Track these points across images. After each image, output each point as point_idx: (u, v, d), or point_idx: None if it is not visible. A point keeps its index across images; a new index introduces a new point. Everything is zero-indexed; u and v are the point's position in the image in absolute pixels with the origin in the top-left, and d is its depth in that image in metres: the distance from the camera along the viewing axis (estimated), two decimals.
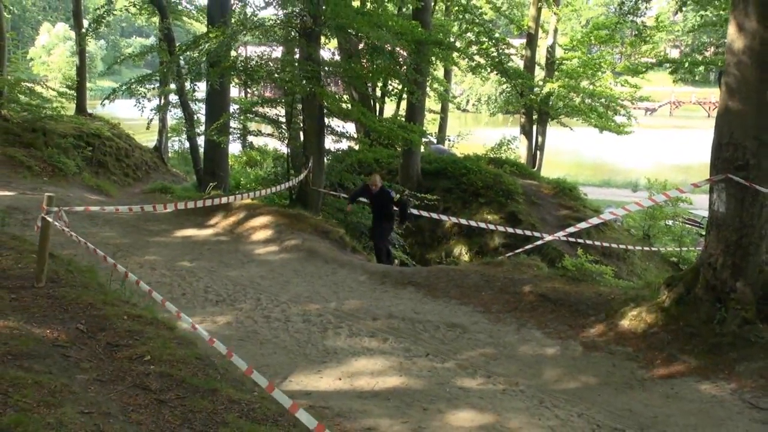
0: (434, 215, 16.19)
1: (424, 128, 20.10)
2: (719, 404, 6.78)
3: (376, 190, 13.69)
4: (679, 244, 20.32)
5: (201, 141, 21.33)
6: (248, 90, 21.87)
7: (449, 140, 31.09)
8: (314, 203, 15.79)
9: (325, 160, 16.82)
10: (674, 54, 58.04)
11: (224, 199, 13.54)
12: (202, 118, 21.03)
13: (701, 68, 23.68)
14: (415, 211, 15.77)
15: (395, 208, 13.75)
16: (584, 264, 10.49)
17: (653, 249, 18.87)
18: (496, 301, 9.81)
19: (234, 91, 23.41)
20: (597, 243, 15.61)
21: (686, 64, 22.46)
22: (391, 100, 28.09)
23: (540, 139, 29.80)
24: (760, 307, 7.68)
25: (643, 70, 28.55)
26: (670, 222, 22.52)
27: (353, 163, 18.37)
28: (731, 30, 7.85)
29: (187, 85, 18.92)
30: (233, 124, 18.78)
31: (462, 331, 8.85)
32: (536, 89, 28.35)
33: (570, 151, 50.68)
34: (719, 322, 7.64)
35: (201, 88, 21.32)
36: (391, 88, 25.08)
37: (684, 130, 65.83)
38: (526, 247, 12.62)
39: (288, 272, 11.47)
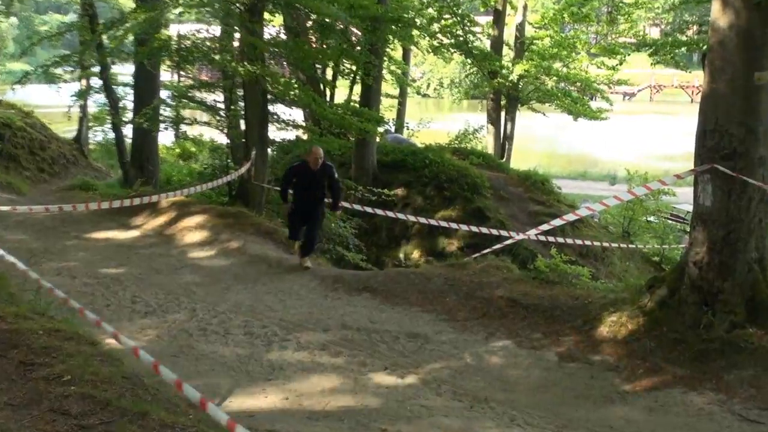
0: (391, 213, 16.20)
1: (380, 115, 20.09)
2: (707, 417, 6.89)
3: (318, 167, 11.76)
4: (662, 242, 20.69)
5: (127, 131, 21.07)
6: (182, 73, 21.64)
7: (408, 128, 31.17)
8: (257, 200, 15.69)
9: (269, 151, 16.74)
10: (654, 33, 58.93)
11: (154, 197, 13.40)
12: (129, 105, 20.75)
13: (683, 49, 24.05)
14: (369, 209, 15.74)
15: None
16: (559, 265, 10.59)
17: (633, 247, 19.16)
18: (462, 307, 9.84)
19: (165, 75, 23.13)
20: (573, 241, 15.78)
21: (667, 46, 22.81)
22: (345, 83, 28.06)
23: (509, 126, 30.06)
24: (750, 309, 7.82)
25: (621, 51, 28.97)
26: (651, 218, 22.92)
27: (301, 155, 18.28)
28: (715, 7, 7.97)
29: (112, 67, 18.67)
30: (165, 111, 18.58)
31: (424, 341, 8.86)
32: (504, 72, 28.55)
33: (542, 140, 51.25)
34: (706, 326, 7.76)
35: (128, 71, 21.04)
36: (343, 69, 25.06)
37: (666, 117, 67.05)
38: (495, 247, 12.68)
39: (227, 278, 11.38)
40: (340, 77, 26.26)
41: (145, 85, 18.59)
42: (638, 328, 8.21)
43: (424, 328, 9.33)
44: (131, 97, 20.59)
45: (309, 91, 16.18)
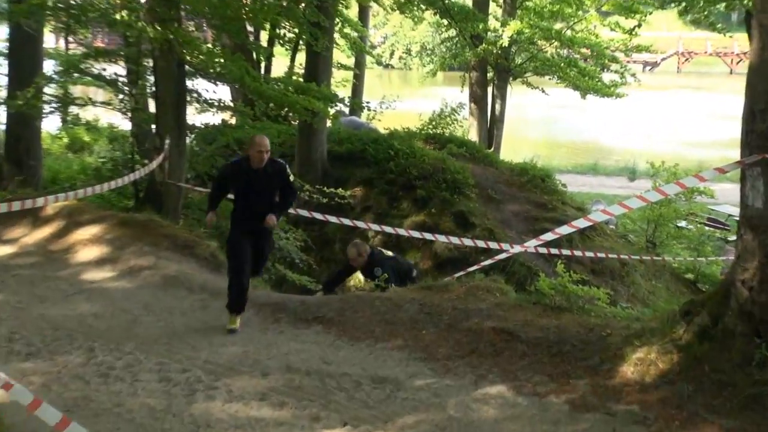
0: (347, 221, 16.15)
1: (332, 92, 20.07)
2: None
3: (263, 165, 10.78)
4: (697, 254, 20.84)
5: (1, 116, 20.80)
6: (72, 38, 21.44)
7: (368, 109, 31.18)
8: (172, 204, 15.60)
9: (188, 140, 16.62)
10: None
11: (36, 201, 13.22)
12: (2, 81, 20.51)
13: (721, 6, 24.23)
14: (318, 215, 15.67)
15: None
16: (567, 286, 10.57)
17: (661, 261, 19.29)
18: (443, 342, 9.82)
19: (50, 40, 22.91)
20: (583, 254, 15.87)
21: (701, 2, 22.96)
22: (286, 50, 27.98)
23: (498, 106, 30.19)
24: None
25: (641, 8, 29.13)
26: (682, 223, 23.10)
27: (229, 145, 18.23)
28: None
29: None
30: (49, 89, 18.38)
31: (394, 388, 8.81)
32: (491, 35, 28.65)
33: (540, 124, 51.65)
34: (759, 364, 7.77)
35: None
36: (282, 33, 24.96)
37: (698, 92, 67.81)
38: (484, 262, 12.70)
39: (135, 308, 11.26)
40: (278, 44, 26.20)
41: (24, 54, 18.39)
42: (672, 367, 8.21)
43: (393, 370, 9.28)
44: (4, 70, 20.35)
45: (238, 59, 16.09)
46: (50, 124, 28.53)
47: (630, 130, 50.98)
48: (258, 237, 10.94)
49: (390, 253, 14.29)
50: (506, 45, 28.68)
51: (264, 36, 27.59)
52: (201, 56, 15.61)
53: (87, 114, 24.48)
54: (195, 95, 16.68)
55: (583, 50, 30.74)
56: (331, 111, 17.94)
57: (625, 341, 8.83)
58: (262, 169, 10.73)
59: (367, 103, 20.96)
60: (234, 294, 10.67)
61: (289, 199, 11.31)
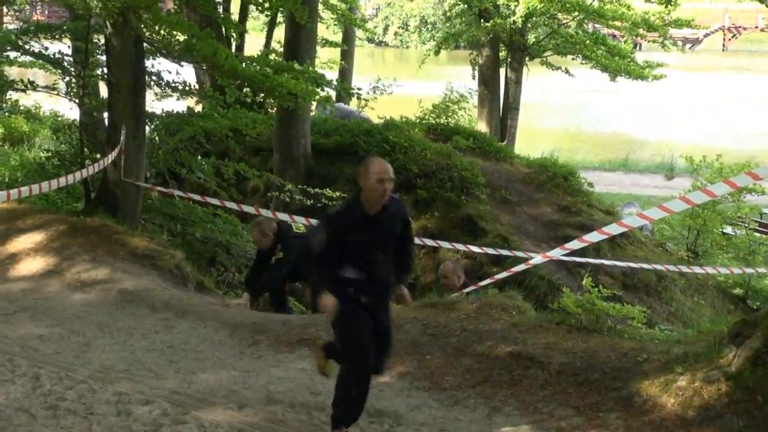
0: None
1: (318, 72, 20.11)
2: None
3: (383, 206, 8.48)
4: (746, 265, 20.84)
5: None
6: (6, 11, 21.49)
7: (358, 96, 31.24)
8: (129, 207, 15.64)
9: (147, 131, 16.65)
10: None
11: None
12: None
13: None
14: (301, 219, 15.71)
15: None
16: (596, 303, 10.62)
17: (704, 273, 19.30)
18: (451, 369, 9.86)
19: None
20: (614, 264, 15.89)
21: None
22: (262, 26, 28.03)
23: (512, 91, 30.24)
24: None
25: None
26: (729, 229, 23.09)
27: (195, 136, 18.25)
28: None
29: None
30: None
31: (394, 422, 8.85)
32: (504, 9, 28.73)
33: (561, 112, 51.64)
34: None
35: None
36: (256, 7, 25.04)
37: (746, 74, 67.78)
38: (498, 275, 12.74)
39: (88, 328, 11.27)
40: (251, 16, 26.27)
41: None
42: (719, 398, 8.25)
43: (393, 401, 9.32)
44: None
45: (209, 35, 16.10)
46: None
47: (667, 119, 51.02)
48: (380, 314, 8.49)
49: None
50: (521, 20, 28.71)
51: (235, 9, 27.66)
52: (163, 31, 15.62)
53: (26, 100, 24.57)
54: (155, 78, 16.69)
55: (615, 23, 30.68)
56: (321, 94, 17.79)
57: (664, 368, 8.88)
58: (384, 213, 8.30)
59: (359, 89, 20.80)
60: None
61: (407, 249, 8.78)
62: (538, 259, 12.66)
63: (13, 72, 20.48)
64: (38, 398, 9.11)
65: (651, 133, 49.24)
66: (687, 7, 33.91)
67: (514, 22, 28.52)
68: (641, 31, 30.82)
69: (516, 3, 28.53)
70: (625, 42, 31.54)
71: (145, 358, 10.41)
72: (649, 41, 31.32)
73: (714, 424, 8.12)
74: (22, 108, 24.68)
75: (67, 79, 17.32)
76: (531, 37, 30.17)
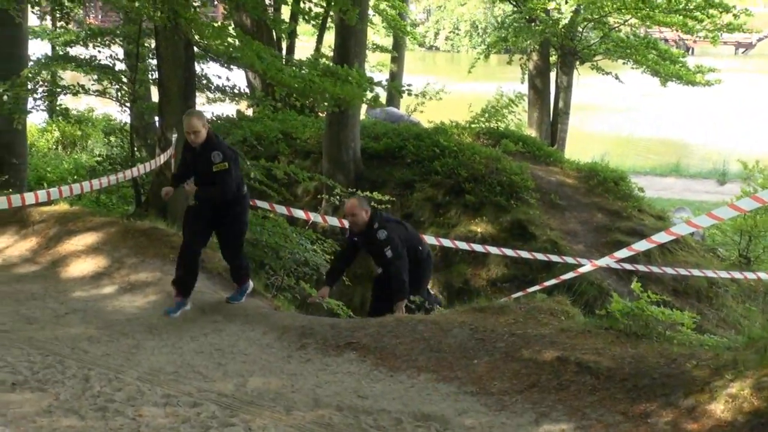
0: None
1: (367, 76, 20.12)
2: None
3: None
4: None
5: None
6: (61, 16, 21.62)
7: (409, 93, 31.22)
8: (179, 210, 15.65)
9: None
10: None
11: (20, 204, 13.29)
12: None
13: None
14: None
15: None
16: (645, 309, 10.56)
17: (757, 279, 19.11)
18: (498, 374, 9.82)
19: (35, 18, 23.13)
20: (665, 271, 15.79)
21: None
22: (313, 28, 28.10)
23: (563, 96, 30.11)
24: None
25: None
26: None
27: (246, 140, 18.31)
28: None
29: None
30: (35, 78, 18.55)
31: (441, 426, 8.82)
32: (554, 14, 28.61)
33: (610, 116, 51.33)
34: None
35: None
36: (307, 8, 25.11)
37: None
38: (548, 282, 12.71)
39: (137, 330, 11.31)
40: (302, 20, 26.33)
41: (4, 40, 18.51)
42: None
43: (440, 405, 9.29)
44: None
45: (254, 42, 16.17)
46: (36, 116, 28.77)
47: (720, 124, 50.61)
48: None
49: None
50: (569, 19, 28.47)
51: (286, 12, 27.73)
52: (213, 36, 15.68)
53: (79, 103, 24.73)
54: (206, 82, 16.78)
55: (665, 28, 30.48)
56: (369, 95, 17.82)
57: (714, 374, 8.81)
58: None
59: (409, 85, 20.80)
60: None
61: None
62: (587, 267, 12.61)
63: (66, 76, 20.59)
64: (87, 399, 9.13)
65: (703, 138, 48.88)
66: (740, 7, 33.27)
67: (564, 26, 28.36)
68: (692, 41, 30.62)
69: (563, 5, 28.33)
70: (676, 45, 31.32)
71: (193, 360, 10.43)
72: (693, 54, 30.85)
73: (764, 430, 8.06)
74: (75, 112, 24.74)
75: (119, 84, 17.42)
76: (582, 41, 29.97)
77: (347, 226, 12.05)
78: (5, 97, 16.93)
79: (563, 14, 28.25)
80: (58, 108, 21.47)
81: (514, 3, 29.13)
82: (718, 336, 12.12)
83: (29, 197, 13.84)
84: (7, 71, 17.35)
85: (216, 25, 16.32)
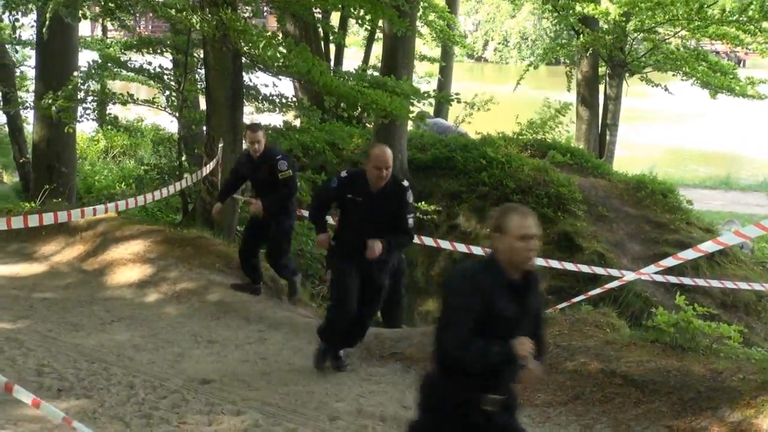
0: (428, 240, 16.18)
1: (415, 87, 20.10)
2: None
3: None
4: None
5: (28, 116, 21.20)
6: (111, 25, 21.80)
7: (457, 101, 31.19)
8: (226, 220, 15.73)
9: (245, 145, 16.77)
10: None
11: (68, 213, 13.37)
12: (30, 74, 20.94)
13: None
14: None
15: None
16: (692, 321, 10.49)
17: None
18: (542, 385, 9.79)
19: (85, 28, 23.33)
20: (711, 284, 15.68)
21: None
22: (357, 41, 28.15)
23: (612, 107, 29.96)
24: None
25: None
26: None
27: (293, 150, 18.35)
28: None
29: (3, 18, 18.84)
30: (85, 86, 18.69)
31: None
32: (604, 25, 28.48)
33: (659, 128, 51.03)
34: None
35: (26, 22, 21.13)
36: (356, 19, 25.12)
37: None
38: (592, 292, 12.64)
39: (182, 338, 11.38)
40: (350, 31, 26.39)
41: (55, 48, 18.68)
42: None
43: None
44: (32, 62, 20.78)
45: (303, 49, 16.21)
46: (86, 125, 28.97)
47: None
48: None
49: None
50: (616, 26, 28.20)
51: (335, 20, 27.79)
52: (260, 46, 15.72)
53: (129, 114, 24.90)
54: (253, 91, 16.80)
55: (716, 40, 30.21)
56: (414, 111, 17.84)
57: (761, 388, 8.76)
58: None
59: (457, 94, 20.69)
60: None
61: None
62: (631, 275, 12.54)
63: (116, 86, 20.74)
64: (132, 406, 9.21)
65: (755, 151, 48.47)
66: None
67: (613, 37, 28.20)
68: (743, 52, 30.33)
69: (610, 14, 28.03)
70: (727, 57, 31.05)
71: (238, 368, 10.47)
72: (745, 66, 30.48)
73: None
74: (124, 122, 24.93)
75: (167, 93, 17.52)
76: (632, 53, 29.77)
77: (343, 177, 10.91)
78: (54, 108, 17.01)
79: (611, 15, 27.91)
80: (107, 117, 21.64)
81: (559, 10, 28.89)
82: (766, 350, 12.02)
83: (75, 214, 13.94)
84: (58, 81, 17.48)
85: (267, 35, 16.35)
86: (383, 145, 10.45)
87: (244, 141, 16.36)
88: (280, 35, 22.33)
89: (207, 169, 15.48)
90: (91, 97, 18.76)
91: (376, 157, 9.83)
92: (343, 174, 10.30)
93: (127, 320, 12.07)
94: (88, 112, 18.50)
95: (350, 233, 10.04)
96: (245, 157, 12.91)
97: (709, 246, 11.68)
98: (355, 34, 25.88)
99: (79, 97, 17.90)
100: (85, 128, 29.61)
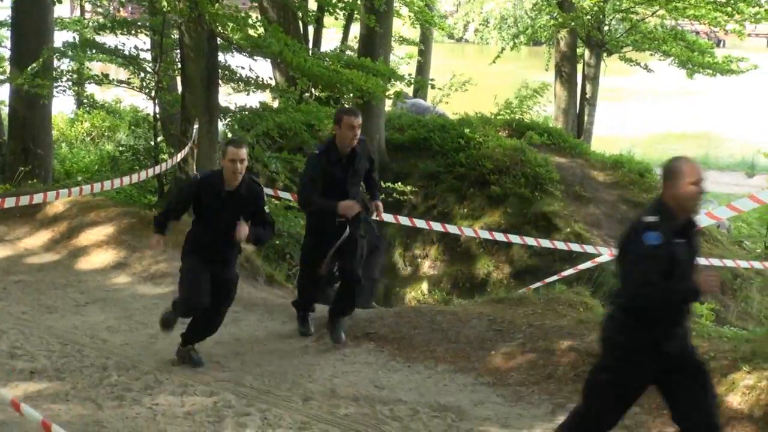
0: (404, 219, 16.16)
1: (391, 68, 20.05)
2: None
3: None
4: None
5: (3, 94, 21.09)
6: (87, 5, 21.69)
7: (432, 86, 31.11)
8: None
9: (220, 125, 16.71)
10: None
11: (44, 195, 13.34)
12: (5, 53, 20.84)
13: None
14: None
15: None
16: None
17: None
18: (515, 365, 9.83)
19: (63, 9, 23.21)
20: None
21: None
22: (336, 19, 28.02)
23: (589, 87, 29.95)
24: None
25: None
26: None
27: (269, 131, 18.27)
28: None
29: None
30: (62, 63, 18.61)
31: (457, 417, 8.83)
32: (580, 2, 28.43)
33: (637, 108, 51.04)
34: None
35: (4, 6, 21.04)
36: (334, 1, 25.04)
37: None
38: (566, 272, 12.67)
39: (156, 320, 11.20)
40: (328, 13, 26.28)
41: (30, 25, 18.58)
42: None
43: (456, 396, 9.31)
44: (8, 44, 20.67)
45: (277, 30, 16.12)
46: (64, 106, 28.87)
47: (748, 117, 50.17)
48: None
49: None
50: (593, 10, 28.25)
51: (313, 2, 27.67)
52: (236, 27, 15.65)
53: (105, 94, 24.79)
54: (229, 72, 16.72)
55: (692, 27, 30.26)
56: (390, 90, 17.81)
57: (732, 366, 8.78)
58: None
59: (432, 80, 20.72)
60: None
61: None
62: (604, 257, 12.57)
63: (95, 67, 20.64)
64: (105, 388, 9.22)
65: (731, 130, 48.51)
66: None
67: (593, 14, 28.15)
68: (721, 33, 30.32)
69: None
70: (708, 38, 30.98)
71: (211, 350, 10.45)
72: (723, 46, 30.52)
73: None
74: (102, 103, 24.77)
75: (142, 74, 17.43)
76: (610, 32, 29.75)
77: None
78: (26, 87, 16.94)
79: (591, 6, 27.98)
80: (85, 98, 21.55)
81: None
82: (738, 328, 12.07)
83: (51, 196, 13.89)
84: (33, 62, 17.37)
85: (239, 16, 16.26)
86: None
87: (219, 122, 16.36)
88: (259, 16, 22.32)
89: (183, 152, 15.45)
90: (66, 77, 18.69)
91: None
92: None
93: (101, 302, 12.08)
94: (62, 89, 18.42)
95: None
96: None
97: None
98: (333, 14, 25.67)
99: (54, 75, 17.83)
100: (65, 110, 29.54)
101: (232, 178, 9.40)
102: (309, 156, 11.22)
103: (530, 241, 14.50)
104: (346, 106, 22.20)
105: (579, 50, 29.84)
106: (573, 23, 28.19)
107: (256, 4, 24.20)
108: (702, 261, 15.52)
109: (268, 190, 16.16)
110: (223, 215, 9.44)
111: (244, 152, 9.42)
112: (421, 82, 24.03)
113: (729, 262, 16.11)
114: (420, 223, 16.16)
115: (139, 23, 17.61)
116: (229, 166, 9.34)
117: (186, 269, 9.81)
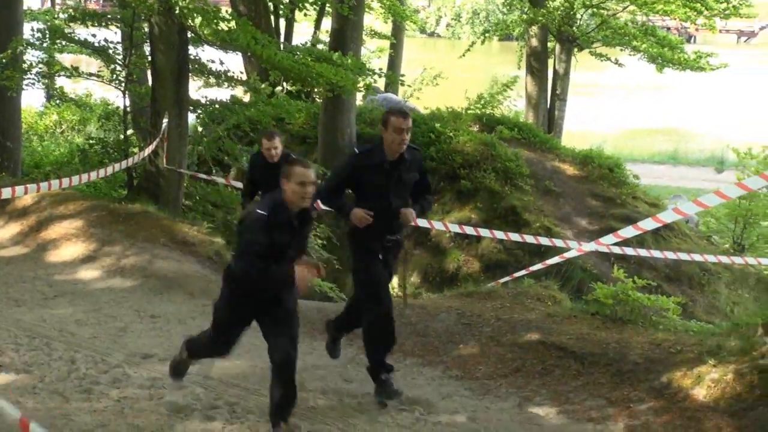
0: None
1: (361, 62, 20.04)
2: None
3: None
4: None
5: None
6: None
7: (402, 83, 31.14)
8: (171, 194, 15.67)
9: (190, 119, 16.67)
10: None
11: (13, 190, 13.29)
12: None
13: None
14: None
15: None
16: (631, 294, 10.55)
17: (750, 266, 19.07)
18: (483, 358, 9.85)
19: (32, 0, 23.09)
20: (651, 255, 15.72)
21: None
22: (306, 15, 28.03)
23: (560, 82, 30.02)
24: None
25: None
26: None
27: (240, 125, 18.25)
28: None
29: None
30: (31, 56, 18.52)
31: (425, 410, 8.84)
32: None
33: (607, 104, 51.23)
34: None
35: None
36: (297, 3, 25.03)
37: None
38: (534, 266, 12.68)
39: (125, 313, 11.35)
40: (300, 6, 26.26)
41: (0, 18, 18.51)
42: (751, 390, 8.18)
43: (424, 389, 9.32)
44: None
45: (247, 24, 16.10)
46: (34, 100, 28.74)
47: (718, 113, 50.42)
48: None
49: None
50: (564, 6, 28.40)
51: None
52: (206, 21, 15.62)
53: (77, 86, 24.69)
54: (199, 66, 16.68)
55: (664, 22, 30.39)
56: (360, 84, 17.82)
57: (698, 360, 8.82)
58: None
59: (402, 75, 20.74)
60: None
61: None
62: (573, 252, 12.60)
63: (66, 59, 20.55)
64: (73, 381, 9.18)
65: (700, 125, 48.74)
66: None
67: (564, 9, 28.24)
68: (693, 29, 30.45)
69: None
70: (679, 34, 31.12)
71: (180, 343, 10.42)
72: (694, 42, 30.68)
73: (746, 417, 8.07)
74: (72, 96, 24.71)
75: (112, 66, 17.38)
76: (581, 28, 29.82)
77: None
78: None
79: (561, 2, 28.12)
80: (54, 90, 21.46)
81: None
82: (705, 322, 12.13)
83: (20, 191, 13.84)
84: (3, 51, 17.28)
85: (209, 9, 16.21)
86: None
87: (190, 116, 16.33)
88: (229, 10, 22.26)
89: (153, 144, 15.41)
90: (36, 69, 18.60)
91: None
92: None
93: (69, 295, 12.04)
94: (32, 82, 18.33)
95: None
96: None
97: (648, 224, 11.70)
98: (300, 11, 25.61)
99: (23, 68, 17.75)
100: (34, 103, 29.41)
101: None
102: (347, 156, 10.53)
103: (500, 234, 14.48)
104: (318, 100, 22.26)
105: (550, 45, 29.90)
106: (543, 19, 28.28)
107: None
108: (670, 255, 15.73)
109: (237, 183, 16.24)
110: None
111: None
112: (392, 77, 24.06)
113: (697, 257, 16.18)
114: None
115: (110, 15, 17.52)
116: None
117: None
